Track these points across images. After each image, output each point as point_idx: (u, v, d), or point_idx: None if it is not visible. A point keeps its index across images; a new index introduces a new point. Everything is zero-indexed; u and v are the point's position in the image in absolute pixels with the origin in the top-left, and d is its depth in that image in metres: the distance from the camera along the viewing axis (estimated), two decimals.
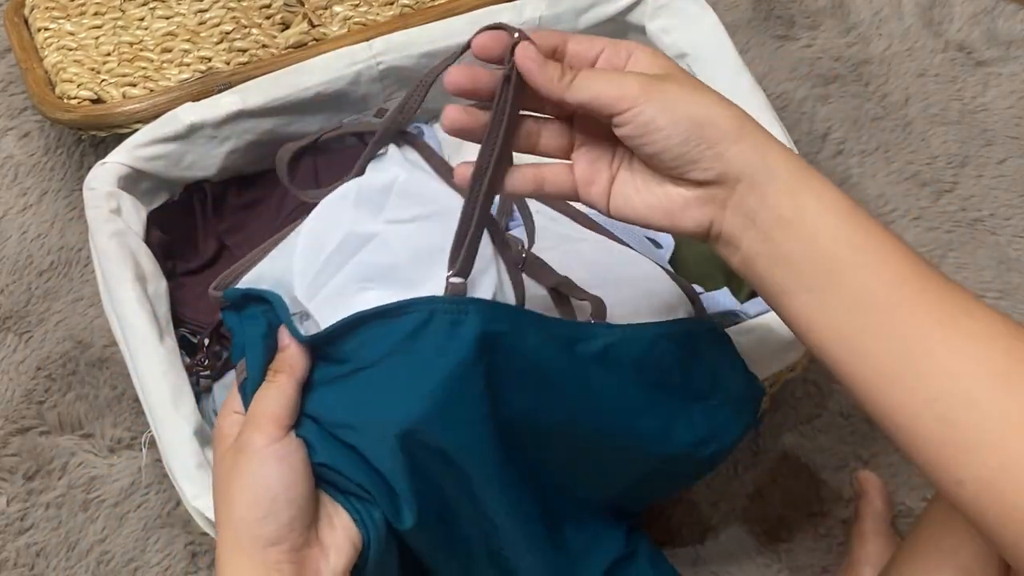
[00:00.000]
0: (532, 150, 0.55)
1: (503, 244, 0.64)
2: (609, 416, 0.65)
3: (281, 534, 0.54)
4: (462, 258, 0.56)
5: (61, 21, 1.03)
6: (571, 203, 0.80)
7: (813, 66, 1.22)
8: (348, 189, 0.67)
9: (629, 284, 0.70)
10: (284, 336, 0.59)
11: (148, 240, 0.83)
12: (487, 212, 0.56)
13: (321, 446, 0.57)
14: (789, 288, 0.50)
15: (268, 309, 0.61)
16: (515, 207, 0.78)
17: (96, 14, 1.03)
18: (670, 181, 0.52)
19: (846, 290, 0.48)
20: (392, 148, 0.74)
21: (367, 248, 0.62)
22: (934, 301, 0.48)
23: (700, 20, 0.89)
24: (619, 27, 0.94)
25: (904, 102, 1.20)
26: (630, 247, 0.78)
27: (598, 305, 0.66)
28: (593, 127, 0.54)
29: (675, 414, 0.67)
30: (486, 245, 0.61)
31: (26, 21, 1.05)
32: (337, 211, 0.65)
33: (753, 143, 0.50)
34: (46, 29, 1.03)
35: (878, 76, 1.22)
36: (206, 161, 0.86)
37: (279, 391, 0.57)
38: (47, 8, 1.04)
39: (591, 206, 0.55)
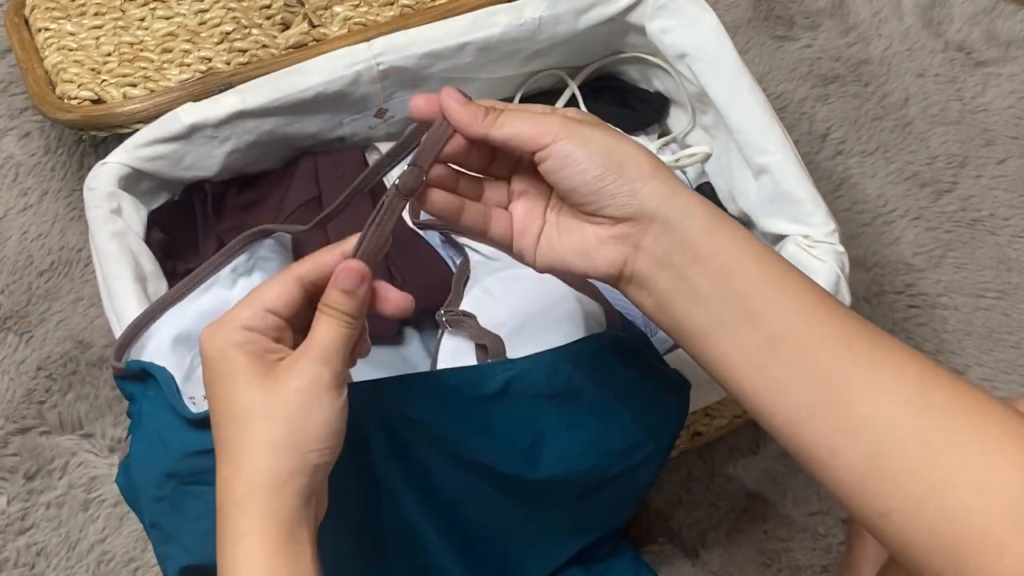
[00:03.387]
0: (477, 199, 0.57)
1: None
2: (529, 446, 0.67)
3: (316, 483, 0.50)
4: None
5: (61, 21, 1.03)
6: None
7: (813, 66, 1.22)
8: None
9: (542, 312, 0.71)
10: (348, 273, 0.52)
11: (148, 240, 0.83)
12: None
13: None
14: (705, 327, 0.51)
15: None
16: (460, 249, 0.83)
17: (96, 14, 1.03)
18: (588, 221, 0.53)
19: (763, 324, 0.49)
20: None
21: None
22: (849, 333, 0.49)
23: (700, 20, 0.89)
24: (619, 27, 0.94)
25: (904, 102, 1.20)
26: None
27: (495, 343, 0.69)
28: (528, 181, 0.56)
29: (606, 425, 0.69)
30: None
31: (26, 21, 1.05)
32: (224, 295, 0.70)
33: (667, 183, 0.52)
34: (46, 29, 1.03)
35: (878, 76, 1.22)
36: (206, 161, 0.86)
37: (343, 329, 0.52)
38: (47, 8, 1.04)
39: (520, 259, 0.56)
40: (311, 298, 0.53)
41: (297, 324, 0.53)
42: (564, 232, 0.54)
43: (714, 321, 0.51)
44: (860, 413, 0.47)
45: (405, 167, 0.53)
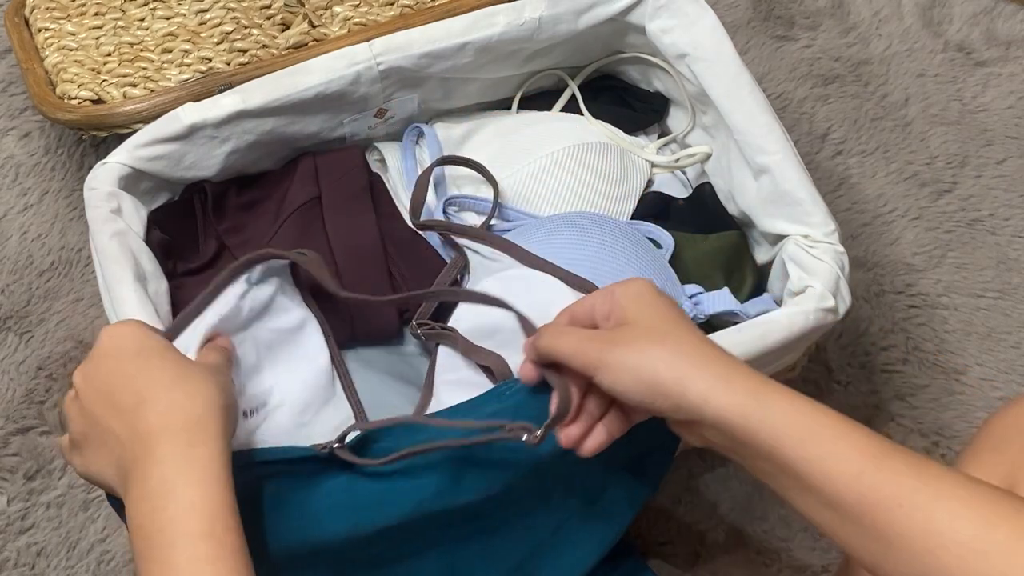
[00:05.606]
0: None
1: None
2: (545, 467, 0.67)
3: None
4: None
5: (62, 21, 1.03)
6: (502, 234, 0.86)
7: (813, 66, 1.22)
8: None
9: (542, 312, 0.70)
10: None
11: (148, 240, 0.83)
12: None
13: None
14: (767, 480, 0.57)
15: None
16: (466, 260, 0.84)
17: (97, 14, 1.03)
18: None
19: (815, 490, 0.53)
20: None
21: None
22: (903, 494, 0.51)
23: (700, 20, 0.89)
24: (619, 27, 0.94)
25: (904, 102, 1.20)
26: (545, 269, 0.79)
27: (499, 365, 0.70)
28: None
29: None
30: None
31: (26, 21, 1.05)
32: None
33: (696, 392, 0.56)
34: (46, 29, 1.03)
35: (878, 76, 1.22)
36: (206, 161, 0.86)
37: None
38: (47, 8, 1.04)
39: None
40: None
41: None
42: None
43: (771, 479, 0.57)
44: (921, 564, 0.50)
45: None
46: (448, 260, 0.85)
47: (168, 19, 1.03)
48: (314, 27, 1.01)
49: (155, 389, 0.56)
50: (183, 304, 0.85)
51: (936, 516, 0.49)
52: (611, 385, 0.58)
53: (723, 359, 0.58)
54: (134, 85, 0.97)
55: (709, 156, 0.94)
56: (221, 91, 0.88)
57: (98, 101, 0.96)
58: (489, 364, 0.70)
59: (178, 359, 0.59)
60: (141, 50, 1.00)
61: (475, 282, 0.78)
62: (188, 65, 0.98)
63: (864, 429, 0.54)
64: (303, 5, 1.03)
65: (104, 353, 0.59)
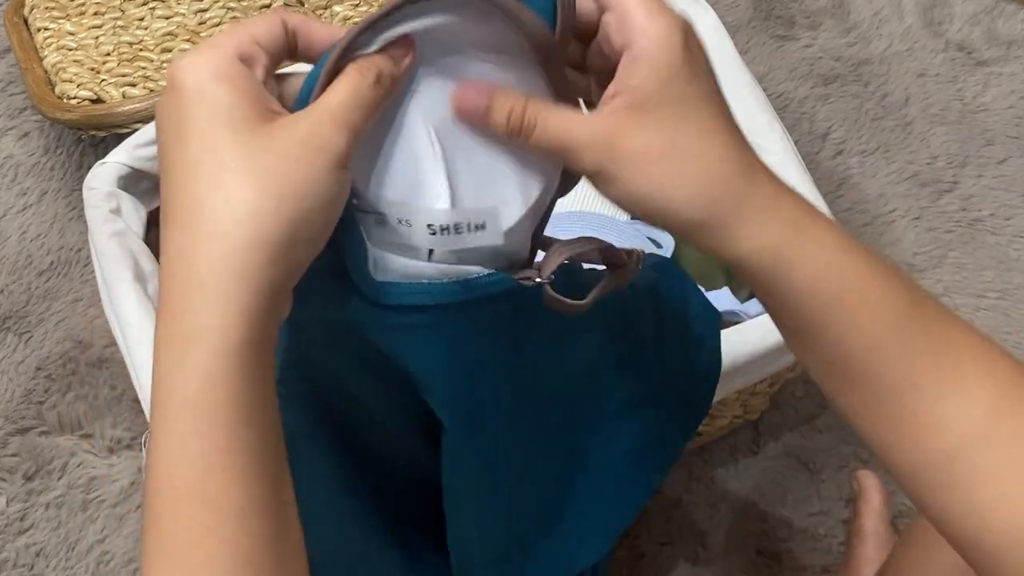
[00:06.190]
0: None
1: None
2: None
3: (309, 260, 0.39)
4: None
5: (61, 21, 1.03)
6: None
7: (813, 66, 1.22)
8: None
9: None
10: (399, 45, 0.41)
11: (148, 240, 0.83)
12: None
13: None
14: (781, 328, 0.47)
15: None
16: None
17: (96, 14, 1.03)
18: None
19: (840, 336, 0.45)
20: None
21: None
22: (932, 343, 0.45)
23: (700, 20, 0.89)
24: None
25: (904, 102, 1.20)
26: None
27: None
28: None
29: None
30: None
31: (26, 21, 1.05)
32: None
33: (721, 235, 0.43)
34: (46, 29, 1.02)
35: (878, 76, 1.22)
36: None
37: (371, 104, 0.40)
38: (47, 8, 1.04)
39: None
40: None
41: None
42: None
43: (789, 332, 0.46)
44: (930, 420, 0.45)
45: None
46: None
47: (167, 19, 1.03)
48: None
49: (183, 197, 0.37)
50: None
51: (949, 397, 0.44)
52: (606, 192, 0.43)
53: (772, 181, 0.45)
54: (133, 85, 0.97)
55: None
56: None
57: (97, 101, 0.96)
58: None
59: (250, 139, 0.37)
60: (140, 50, 1.00)
61: None
62: None
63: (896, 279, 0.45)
64: (302, 4, 1.03)
65: (161, 111, 0.39)
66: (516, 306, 0.49)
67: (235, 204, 0.36)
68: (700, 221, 0.42)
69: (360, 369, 0.52)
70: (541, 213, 0.49)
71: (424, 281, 0.45)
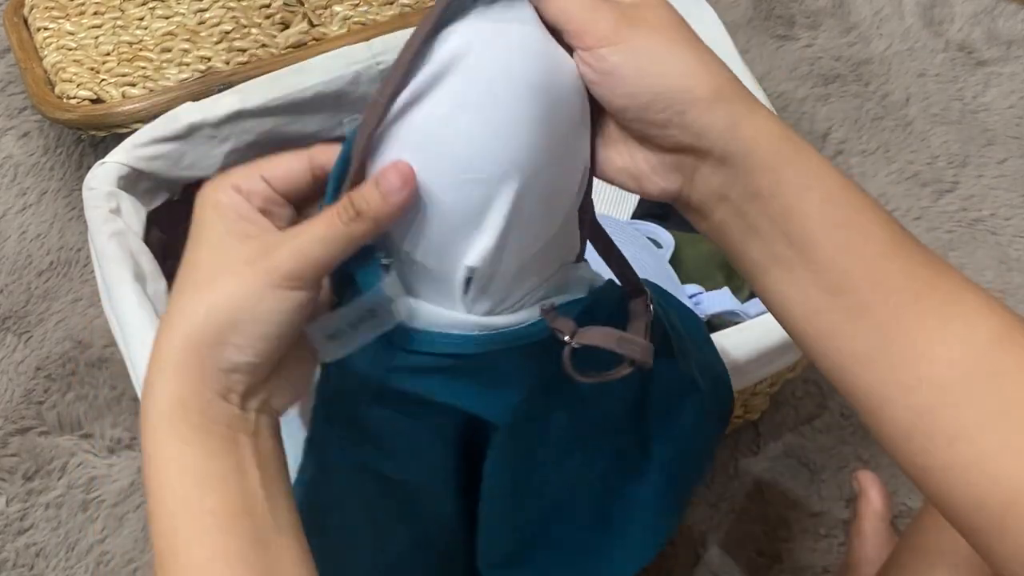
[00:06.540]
0: None
1: None
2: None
3: (249, 368, 0.44)
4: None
5: (60, 21, 1.03)
6: None
7: (814, 66, 1.22)
8: None
9: None
10: (396, 173, 0.43)
11: (148, 240, 0.83)
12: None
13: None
14: (761, 262, 0.47)
15: None
16: None
17: (96, 14, 1.03)
18: (637, 144, 0.47)
19: (822, 270, 0.45)
20: None
21: None
22: (919, 285, 0.45)
23: (700, 19, 0.89)
24: None
25: (905, 102, 1.20)
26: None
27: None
28: None
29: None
30: None
31: (25, 21, 1.05)
32: None
33: (729, 111, 0.45)
34: (45, 29, 1.03)
35: (878, 76, 1.21)
36: (206, 161, 0.86)
37: (342, 239, 0.44)
38: (47, 8, 1.04)
39: None
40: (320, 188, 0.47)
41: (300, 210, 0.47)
42: (612, 150, 0.48)
43: (770, 258, 0.46)
44: (914, 372, 0.44)
45: None
46: None
47: (167, 18, 1.03)
48: (313, 26, 1.01)
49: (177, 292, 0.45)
50: None
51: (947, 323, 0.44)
52: (609, 71, 0.44)
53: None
54: (133, 84, 0.97)
55: None
56: (220, 90, 0.88)
57: (97, 101, 0.96)
58: None
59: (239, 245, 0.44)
60: (140, 49, 1.00)
61: None
62: (187, 64, 0.98)
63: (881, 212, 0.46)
64: (302, 4, 1.02)
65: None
66: (551, 349, 0.49)
67: (183, 302, 0.44)
68: (702, 94, 0.45)
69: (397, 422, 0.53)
70: (581, 196, 0.49)
71: (456, 333, 0.47)
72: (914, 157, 1.16)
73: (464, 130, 0.43)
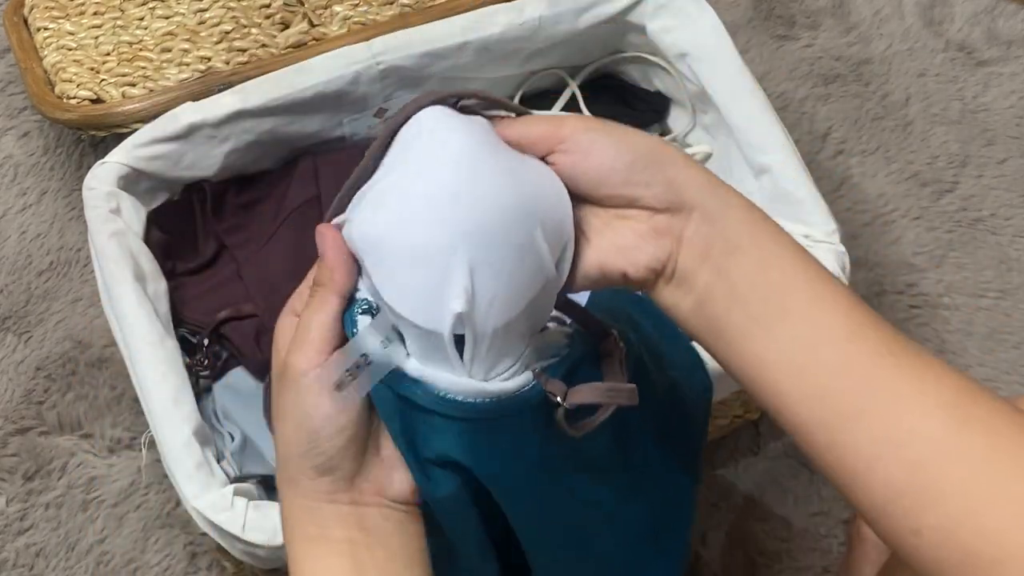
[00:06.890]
0: None
1: None
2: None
3: (332, 464, 0.49)
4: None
5: (60, 21, 1.03)
6: None
7: (814, 66, 1.22)
8: None
9: None
10: (326, 237, 0.49)
11: (148, 240, 0.83)
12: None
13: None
14: (742, 326, 0.48)
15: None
16: None
17: (96, 14, 1.03)
18: (621, 217, 0.50)
19: (801, 323, 0.47)
20: None
21: None
22: (890, 341, 0.46)
23: (700, 20, 0.89)
24: (619, 27, 0.94)
25: (905, 102, 1.20)
26: None
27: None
28: None
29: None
30: None
31: (25, 21, 1.05)
32: None
33: (700, 171, 0.49)
34: (45, 29, 1.02)
35: (878, 76, 1.21)
36: (206, 161, 0.86)
37: (320, 308, 0.49)
38: (46, 8, 1.04)
39: None
40: None
41: None
42: (595, 235, 0.50)
43: (752, 320, 0.47)
44: (903, 425, 0.44)
45: None
46: None
47: (167, 18, 1.02)
48: (314, 26, 1.01)
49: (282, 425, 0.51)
50: (182, 304, 0.85)
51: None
52: (588, 146, 0.48)
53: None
54: (133, 84, 0.97)
55: (709, 156, 0.94)
56: (220, 90, 0.88)
57: (97, 101, 0.96)
58: None
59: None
60: (140, 49, 1.00)
61: None
62: (187, 64, 0.98)
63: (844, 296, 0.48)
64: (303, 4, 1.02)
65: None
66: (544, 408, 0.52)
67: (279, 433, 0.50)
68: (675, 155, 0.49)
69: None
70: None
71: (458, 398, 0.49)
72: (914, 157, 1.16)
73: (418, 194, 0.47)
